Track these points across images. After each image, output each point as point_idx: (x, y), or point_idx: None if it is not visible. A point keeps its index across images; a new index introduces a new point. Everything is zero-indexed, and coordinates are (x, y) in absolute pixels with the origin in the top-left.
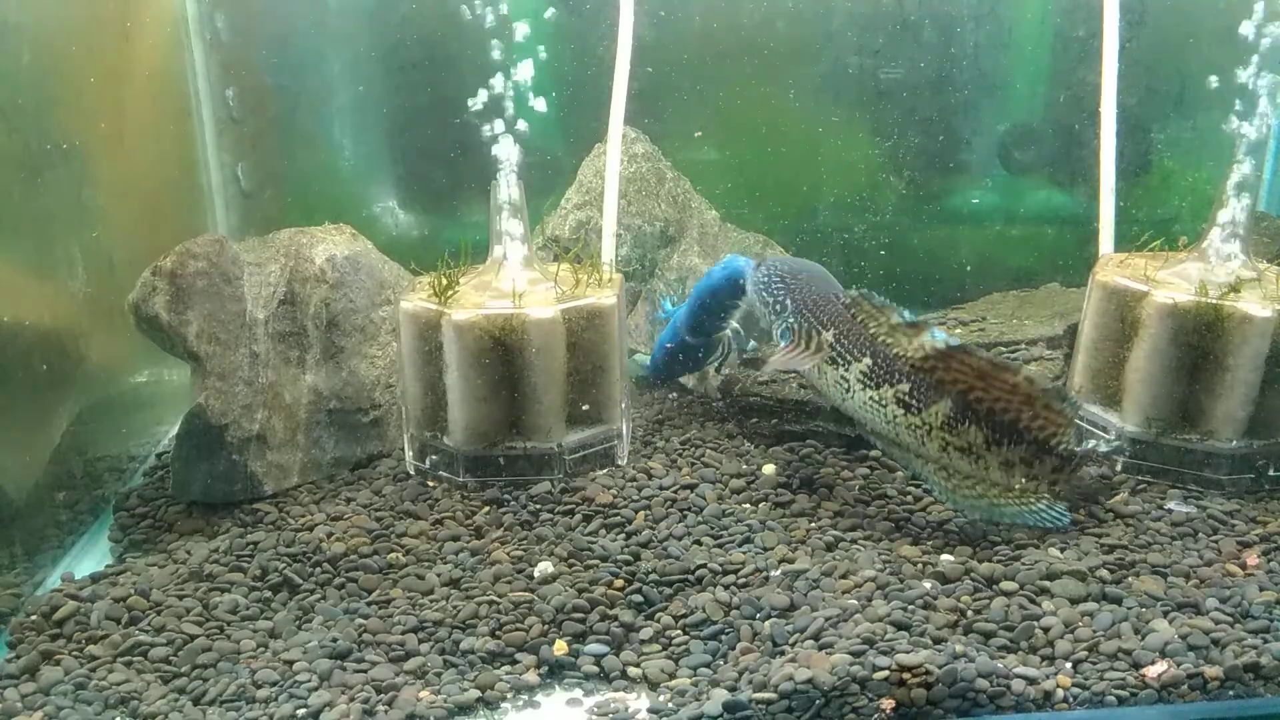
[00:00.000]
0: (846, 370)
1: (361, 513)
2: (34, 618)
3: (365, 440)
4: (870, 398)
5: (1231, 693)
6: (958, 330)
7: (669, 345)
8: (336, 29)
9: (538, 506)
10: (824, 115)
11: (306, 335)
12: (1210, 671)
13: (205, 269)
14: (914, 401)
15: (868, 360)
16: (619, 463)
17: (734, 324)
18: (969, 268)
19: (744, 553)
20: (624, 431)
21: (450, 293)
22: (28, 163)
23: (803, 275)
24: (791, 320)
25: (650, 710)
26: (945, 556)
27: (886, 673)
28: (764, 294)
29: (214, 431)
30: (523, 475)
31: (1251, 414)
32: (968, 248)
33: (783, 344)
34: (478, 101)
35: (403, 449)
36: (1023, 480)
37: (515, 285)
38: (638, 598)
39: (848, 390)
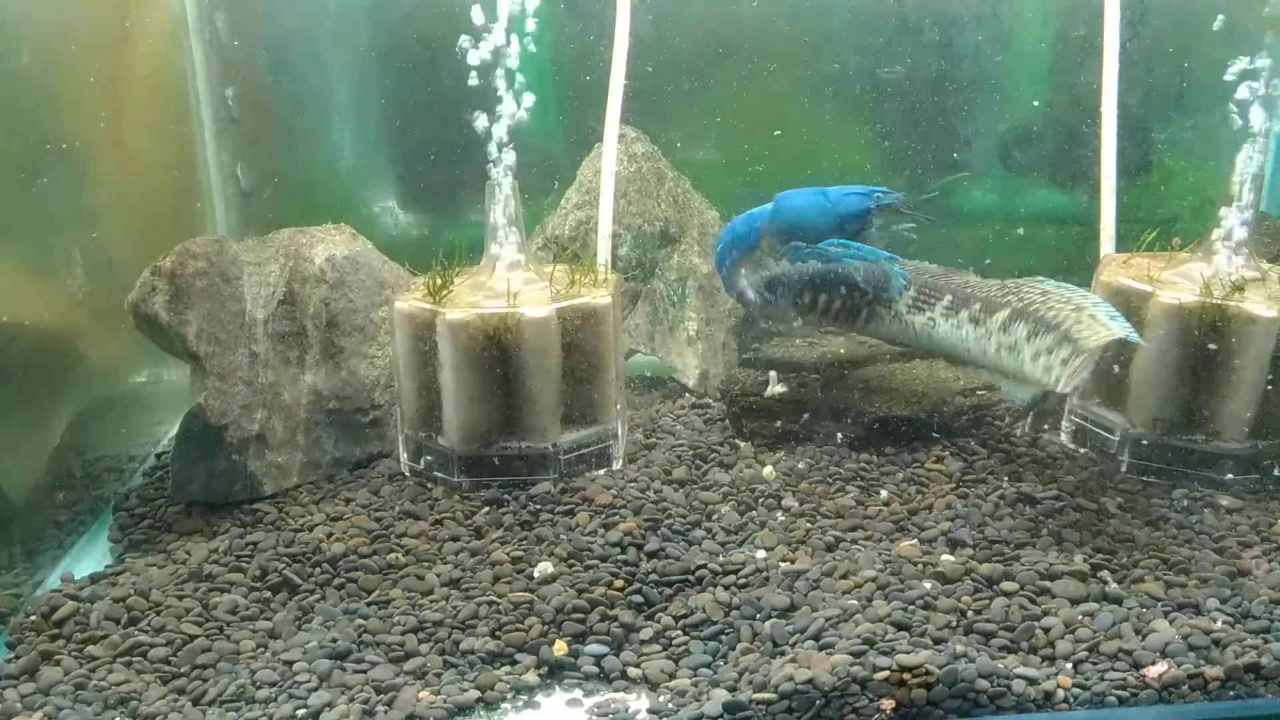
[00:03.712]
0: (958, 314)
1: (361, 513)
2: (33, 618)
3: (365, 440)
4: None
5: (1232, 693)
6: None
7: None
8: (336, 29)
9: (538, 507)
10: (824, 114)
11: (306, 335)
12: (1211, 672)
13: (205, 269)
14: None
15: (977, 305)
16: (614, 464)
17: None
18: (969, 268)
19: (744, 553)
20: (619, 432)
21: (444, 292)
22: (28, 163)
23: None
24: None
25: (650, 711)
26: (945, 556)
27: (887, 673)
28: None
29: (213, 431)
30: (518, 475)
31: (1256, 414)
32: (968, 248)
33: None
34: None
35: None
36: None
37: (510, 285)
38: (638, 598)
39: (958, 325)
